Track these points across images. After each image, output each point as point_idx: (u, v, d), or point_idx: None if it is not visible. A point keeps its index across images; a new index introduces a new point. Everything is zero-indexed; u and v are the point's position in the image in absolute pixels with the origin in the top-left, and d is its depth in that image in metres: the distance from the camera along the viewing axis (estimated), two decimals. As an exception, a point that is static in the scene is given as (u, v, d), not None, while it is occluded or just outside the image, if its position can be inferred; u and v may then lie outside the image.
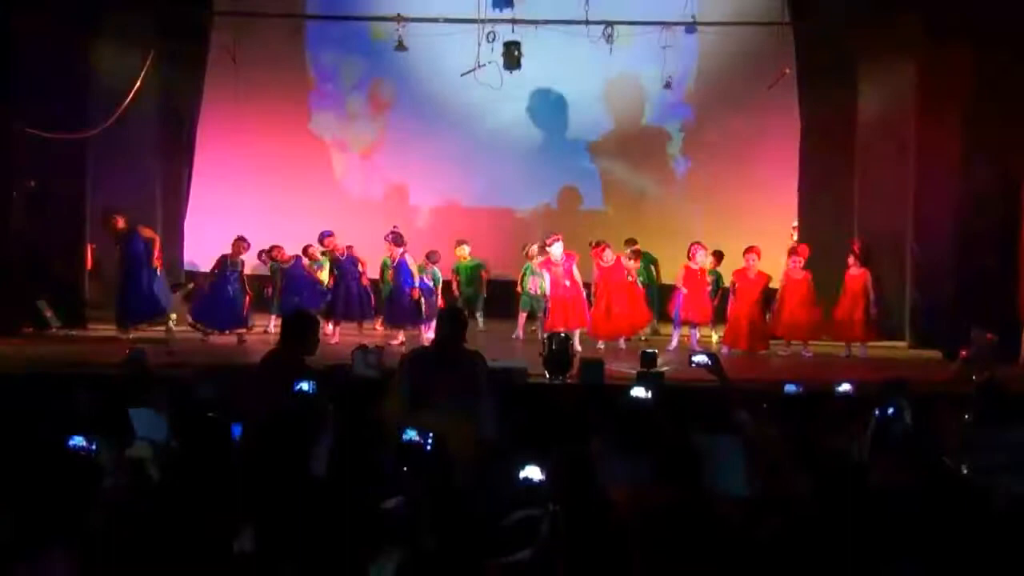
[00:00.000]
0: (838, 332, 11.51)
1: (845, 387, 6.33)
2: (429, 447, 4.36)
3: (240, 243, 11.85)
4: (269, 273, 12.76)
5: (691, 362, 5.72)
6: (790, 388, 6.19)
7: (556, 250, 11.51)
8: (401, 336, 11.77)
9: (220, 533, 3.80)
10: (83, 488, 3.90)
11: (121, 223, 11.61)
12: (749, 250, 11.55)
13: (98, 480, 4.11)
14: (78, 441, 4.22)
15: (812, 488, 4.16)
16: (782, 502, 4.21)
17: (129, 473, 4.46)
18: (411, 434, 4.44)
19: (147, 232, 11.80)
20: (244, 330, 11.85)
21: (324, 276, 12.19)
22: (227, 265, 11.75)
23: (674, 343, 11.67)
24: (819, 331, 11.63)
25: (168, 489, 4.26)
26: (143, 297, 11.53)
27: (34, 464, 4.08)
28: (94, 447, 4.24)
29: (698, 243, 11.98)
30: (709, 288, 12.06)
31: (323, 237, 12.17)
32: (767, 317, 11.57)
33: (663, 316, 12.72)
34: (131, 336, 11.31)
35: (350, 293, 12.05)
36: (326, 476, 4.41)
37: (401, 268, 11.75)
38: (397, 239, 11.80)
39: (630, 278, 11.84)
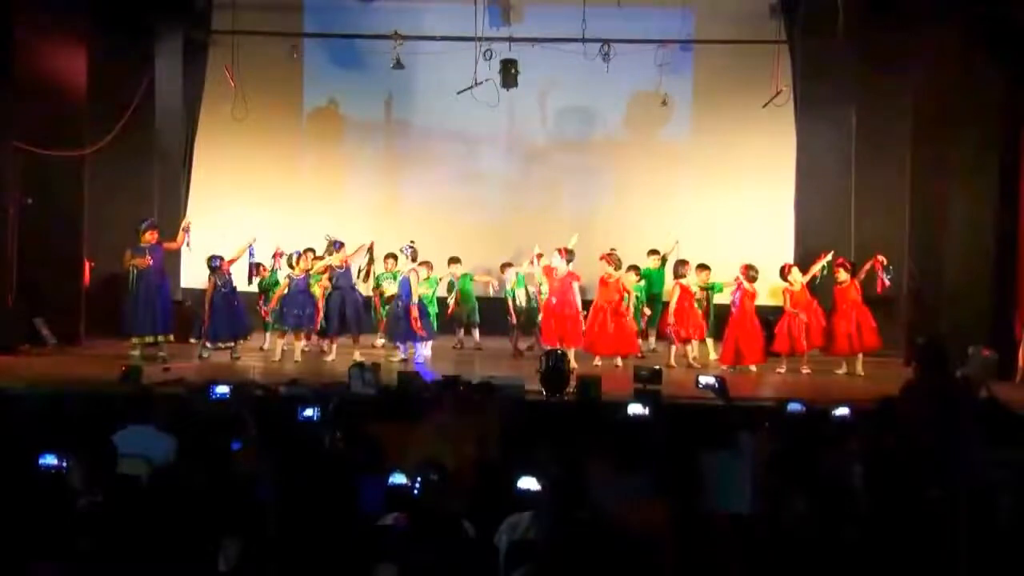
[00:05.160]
0: (840, 345, 11.48)
1: (842, 411, 6.33)
2: (417, 492, 4.26)
3: (216, 260, 11.78)
4: (265, 285, 12.59)
5: (698, 383, 5.73)
6: (794, 407, 6.19)
7: (557, 261, 11.54)
8: (401, 353, 11.76)
9: (206, 549, 3.77)
10: (55, 506, 3.86)
11: (155, 237, 11.63)
12: (747, 268, 11.58)
13: (70, 499, 4.05)
14: (49, 460, 4.17)
15: (809, 507, 4.15)
16: (779, 520, 4.20)
17: (111, 491, 4.39)
18: (398, 478, 4.36)
19: (169, 246, 11.95)
20: (243, 340, 11.87)
21: (317, 292, 12.12)
22: (218, 283, 11.74)
23: (672, 360, 11.68)
24: (819, 344, 11.60)
25: (159, 505, 4.22)
26: (154, 310, 11.54)
27: (14, 482, 4.05)
28: (64, 465, 4.19)
29: (686, 261, 12.04)
30: (700, 304, 12.05)
31: (336, 247, 11.97)
32: (764, 334, 11.56)
33: (659, 334, 12.72)
34: (138, 352, 11.33)
35: (346, 306, 11.94)
36: (324, 492, 4.40)
37: (404, 283, 11.73)
38: (414, 254, 11.88)
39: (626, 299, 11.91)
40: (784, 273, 11.66)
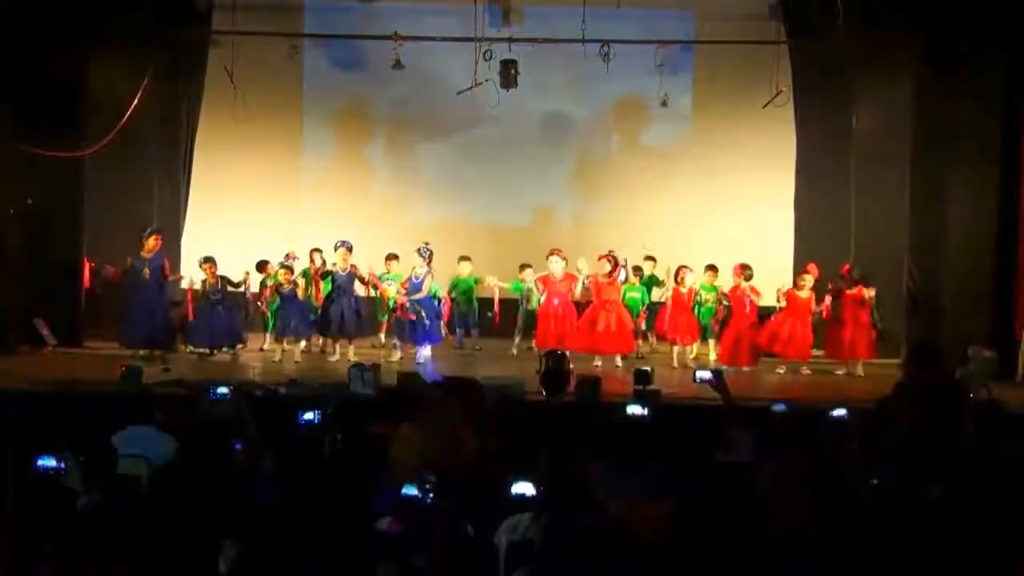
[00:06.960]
0: (838, 349, 11.50)
1: (840, 412, 6.33)
2: (430, 501, 4.25)
3: (207, 265, 11.78)
4: (262, 287, 12.57)
5: (695, 378, 5.74)
6: (778, 407, 6.19)
7: (555, 266, 11.55)
8: (399, 353, 11.77)
9: (206, 550, 3.77)
10: (53, 508, 3.85)
11: (159, 244, 11.67)
12: (742, 268, 11.61)
13: (69, 500, 4.04)
14: (46, 461, 4.15)
15: (809, 507, 4.15)
16: (779, 520, 4.21)
17: (111, 492, 4.39)
18: (411, 490, 4.35)
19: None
20: (240, 346, 11.84)
21: (304, 294, 12.10)
22: (207, 289, 11.72)
23: (674, 362, 11.71)
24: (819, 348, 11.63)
25: (158, 506, 4.23)
26: (152, 322, 11.52)
27: (14, 483, 4.04)
28: (62, 467, 4.18)
29: (685, 266, 12.11)
30: (698, 307, 12.10)
31: (343, 246, 11.91)
32: (761, 334, 11.57)
33: (658, 336, 12.73)
34: (140, 352, 11.33)
35: (345, 308, 11.91)
36: (324, 493, 4.40)
37: (419, 285, 11.74)
38: (431, 255, 11.89)
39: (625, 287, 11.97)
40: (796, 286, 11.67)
